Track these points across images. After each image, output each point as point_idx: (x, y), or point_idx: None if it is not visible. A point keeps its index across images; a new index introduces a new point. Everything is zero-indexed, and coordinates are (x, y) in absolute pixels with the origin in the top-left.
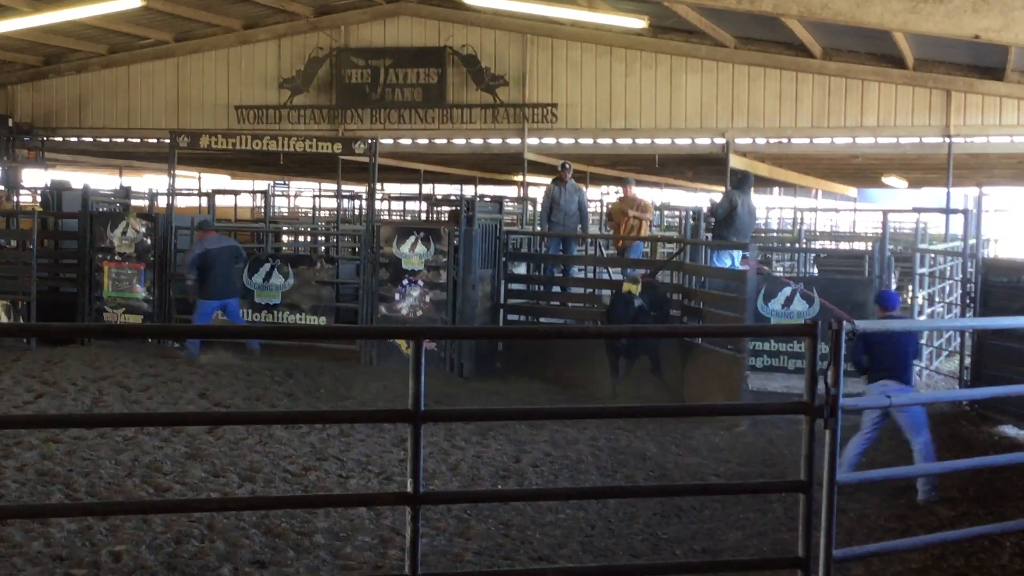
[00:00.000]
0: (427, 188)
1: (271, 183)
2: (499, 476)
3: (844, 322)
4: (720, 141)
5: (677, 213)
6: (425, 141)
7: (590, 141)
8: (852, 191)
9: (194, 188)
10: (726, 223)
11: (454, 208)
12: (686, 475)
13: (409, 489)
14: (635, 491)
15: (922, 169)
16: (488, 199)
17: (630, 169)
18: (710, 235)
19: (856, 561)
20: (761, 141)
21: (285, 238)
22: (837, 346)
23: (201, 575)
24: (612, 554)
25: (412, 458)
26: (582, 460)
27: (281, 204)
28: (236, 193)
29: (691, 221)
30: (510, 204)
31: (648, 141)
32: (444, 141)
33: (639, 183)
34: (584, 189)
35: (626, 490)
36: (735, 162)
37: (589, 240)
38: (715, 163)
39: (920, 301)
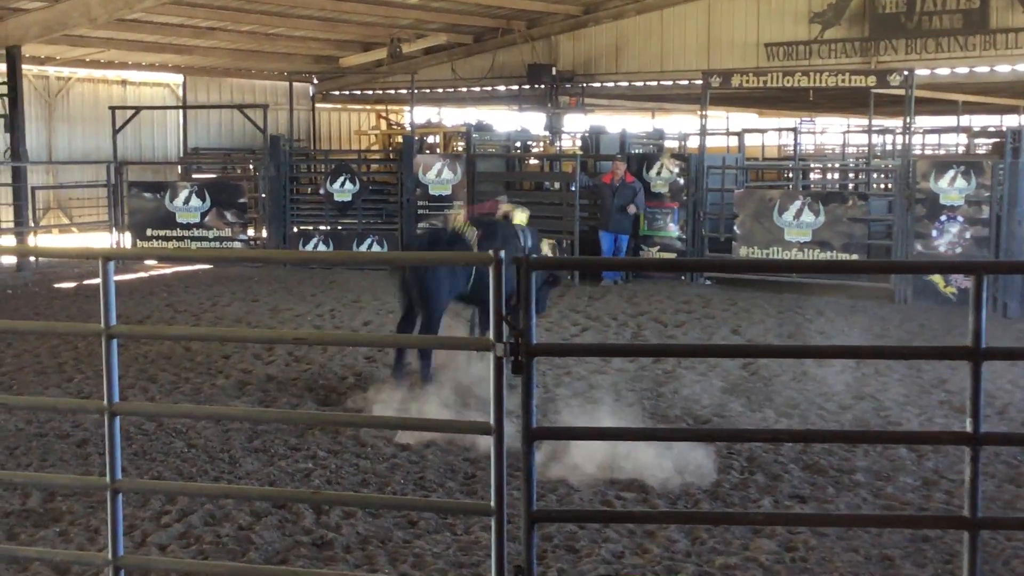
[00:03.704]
0: (964, 120)
1: (798, 120)
2: None
3: None
4: None
5: None
6: (965, 70)
7: None
8: None
9: (722, 127)
10: None
11: (996, 140)
12: None
13: (969, 429)
14: None
15: None
16: None
17: None
18: None
19: None
20: None
21: (813, 175)
22: None
23: (743, 506)
24: None
25: (972, 397)
26: None
27: (807, 141)
28: (763, 131)
29: None
30: None
31: None
32: (986, 69)
33: None
34: None
35: None
36: None
37: None
38: None
39: None
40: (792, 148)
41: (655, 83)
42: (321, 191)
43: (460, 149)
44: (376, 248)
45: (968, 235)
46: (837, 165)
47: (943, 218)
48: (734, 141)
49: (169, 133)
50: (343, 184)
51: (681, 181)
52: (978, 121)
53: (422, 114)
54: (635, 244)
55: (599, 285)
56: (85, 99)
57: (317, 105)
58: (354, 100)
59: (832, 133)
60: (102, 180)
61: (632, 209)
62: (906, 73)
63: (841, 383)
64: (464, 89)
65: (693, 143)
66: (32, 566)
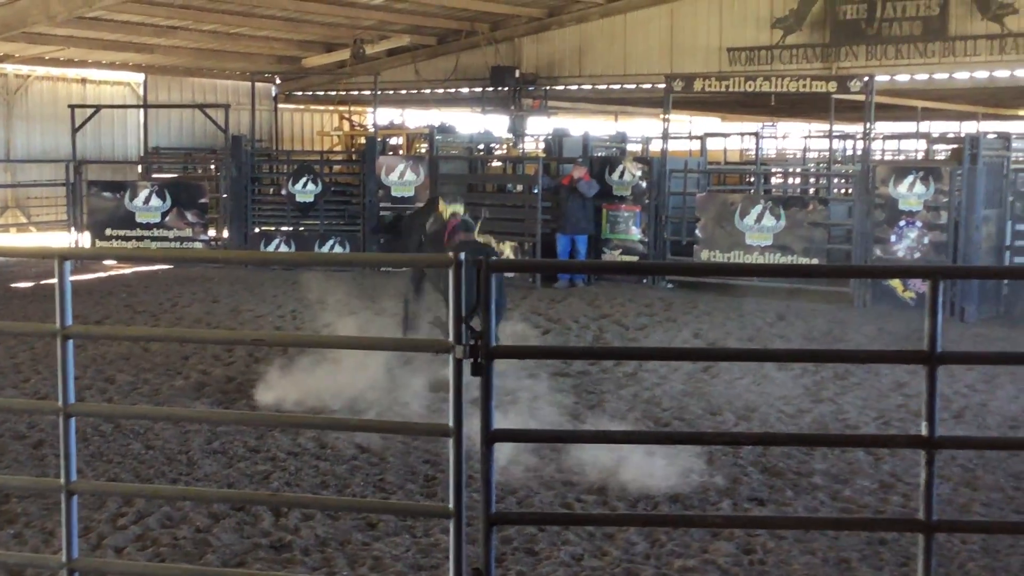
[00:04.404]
0: (923, 126)
1: (760, 125)
2: (1008, 426)
3: None
4: None
5: None
6: (924, 76)
7: None
8: None
9: (685, 131)
10: None
11: (955, 146)
12: None
13: (924, 432)
14: None
15: None
16: (994, 135)
17: None
18: None
19: None
20: None
21: (775, 180)
22: None
23: (701, 509)
24: None
25: (928, 400)
26: None
27: (769, 146)
28: (726, 136)
29: None
30: (1019, 140)
31: None
32: (945, 76)
33: None
34: None
35: None
36: None
37: None
38: None
39: None
40: (754, 152)
41: (618, 86)
42: (283, 192)
43: (423, 151)
44: (338, 249)
45: (926, 240)
46: (798, 170)
47: (902, 223)
48: (696, 145)
49: (129, 132)
50: (305, 185)
51: (643, 184)
52: (937, 127)
53: (385, 115)
54: (597, 247)
55: (553, 287)
56: (44, 97)
57: (280, 105)
58: (317, 101)
59: (793, 138)
60: (61, 179)
61: (578, 173)
62: (866, 79)
63: (800, 386)
64: (427, 91)
65: (655, 147)
66: None
